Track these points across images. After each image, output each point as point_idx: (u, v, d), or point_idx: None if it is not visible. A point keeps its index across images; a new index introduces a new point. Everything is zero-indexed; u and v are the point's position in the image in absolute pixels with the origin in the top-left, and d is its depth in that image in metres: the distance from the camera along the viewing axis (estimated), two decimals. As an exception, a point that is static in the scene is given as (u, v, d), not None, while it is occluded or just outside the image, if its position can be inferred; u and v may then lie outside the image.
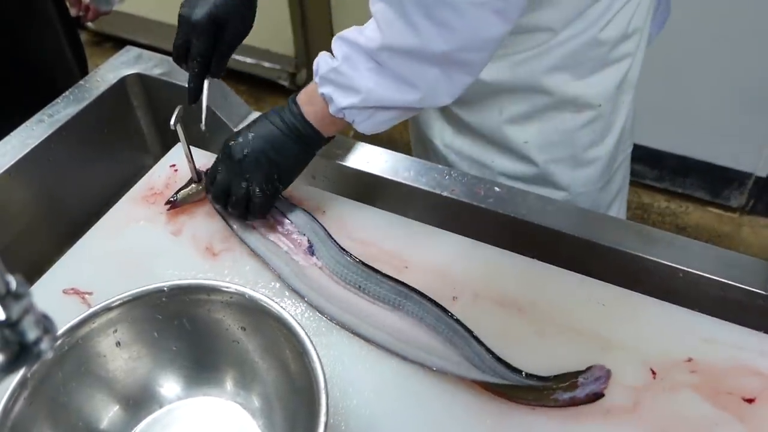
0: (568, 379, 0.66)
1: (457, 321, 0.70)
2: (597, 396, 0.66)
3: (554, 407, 0.66)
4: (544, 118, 0.92)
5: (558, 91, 0.90)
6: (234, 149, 0.77)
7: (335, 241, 0.79)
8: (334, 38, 0.71)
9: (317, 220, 0.81)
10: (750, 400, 0.65)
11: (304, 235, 0.80)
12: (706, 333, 0.71)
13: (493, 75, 0.89)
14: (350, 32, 0.70)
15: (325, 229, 0.80)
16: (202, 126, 0.83)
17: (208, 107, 0.84)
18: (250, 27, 0.82)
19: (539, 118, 0.93)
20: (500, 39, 0.65)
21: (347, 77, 0.69)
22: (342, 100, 0.70)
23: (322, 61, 0.72)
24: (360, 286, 0.75)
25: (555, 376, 0.67)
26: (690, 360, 0.69)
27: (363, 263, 0.76)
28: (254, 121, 0.79)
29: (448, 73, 0.67)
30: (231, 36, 0.79)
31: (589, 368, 0.67)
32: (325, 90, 0.72)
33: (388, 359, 0.70)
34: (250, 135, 0.77)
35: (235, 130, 0.80)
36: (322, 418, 0.54)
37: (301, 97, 0.76)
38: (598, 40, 0.86)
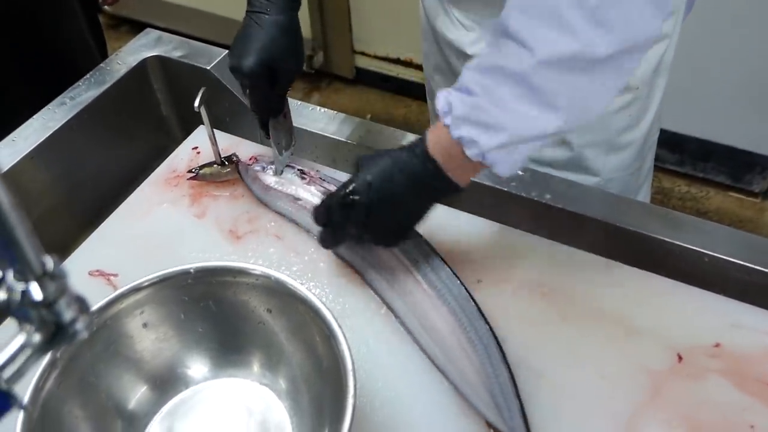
0: None
1: (503, 355, 0.67)
2: None
3: None
4: None
5: None
6: (352, 199, 0.67)
7: None
8: (464, 70, 0.62)
9: None
10: (779, 386, 0.65)
11: None
12: (733, 318, 0.71)
13: None
14: (483, 60, 0.61)
15: None
16: (279, 170, 0.84)
17: (232, 94, 0.85)
18: (302, 62, 0.79)
19: None
20: (656, 36, 0.58)
21: (491, 113, 0.59)
22: (487, 141, 0.60)
23: (454, 100, 0.62)
24: (416, 261, 0.73)
25: None
26: (717, 345, 0.69)
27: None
28: (371, 164, 0.68)
29: (602, 80, 0.58)
30: (284, 75, 0.76)
31: None
32: (464, 132, 0.61)
33: (413, 342, 0.70)
34: (369, 179, 0.67)
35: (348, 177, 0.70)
36: (350, 400, 0.54)
37: (432, 147, 0.65)
38: None
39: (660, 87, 0.94)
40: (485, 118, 0.60)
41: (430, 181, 0.66)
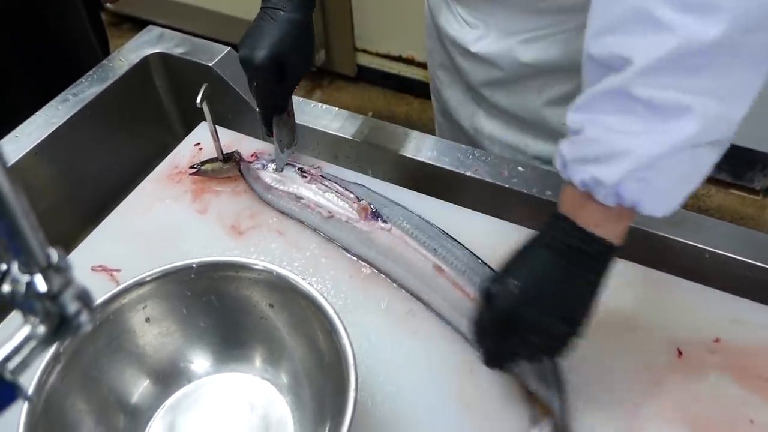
0: (548, 411, 0.63)
1: None
2: None
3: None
4: None
5: None
6: (503, 309, 0.57)
7: (401, 205, 0.80)
8: (568, 115, 0.55)
9: (368, 188, 0.82)
10: (779, 381, 0.65)
11: (362, 199, 0.80)
12: (734, 313, 0.71)
13: (534, 56, 0.87)
14: (582, 96, 0.54)
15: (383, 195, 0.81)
16: (279, 168, 0.84)
17: (234, 90, 0.85)
18: (312, 62, 0.79)
19: None
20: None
21: (601, 142, 0.52)
22: (610, 173, 0.51)
23: (563, 148, 0.55)
24: (435, 250, 0.74)
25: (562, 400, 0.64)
26: (717, 340, 0.69)
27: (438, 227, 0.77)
28: (513, 260, 0.58)
29: (730, 69, 0.48)
30: (293, 72, 0.76)
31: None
32: (584, 175, 0.53)
33: (414, 336, 0.71)
34: (515, 284, 0.56)
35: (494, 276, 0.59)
36: (352, 394, 0.54)
37: (567, 207, 0.56)
38: None
39: None
40: (597, 150, 0.52)
41: (579, 251, 0.55)
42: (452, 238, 0.76)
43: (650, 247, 0.80)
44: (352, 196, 0.80)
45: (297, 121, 0.96)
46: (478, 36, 0.91)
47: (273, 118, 0.82)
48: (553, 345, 0.58)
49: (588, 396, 0.66)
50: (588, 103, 0.53)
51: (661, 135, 0.50)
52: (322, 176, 0.83)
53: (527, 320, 0.56)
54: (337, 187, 0.82)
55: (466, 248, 0.75)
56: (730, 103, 0.50)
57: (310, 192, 0.82)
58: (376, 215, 0.77)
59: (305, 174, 0.84)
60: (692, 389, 0.65)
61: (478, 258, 0.74)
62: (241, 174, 0.86)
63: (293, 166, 0.85)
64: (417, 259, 0.74)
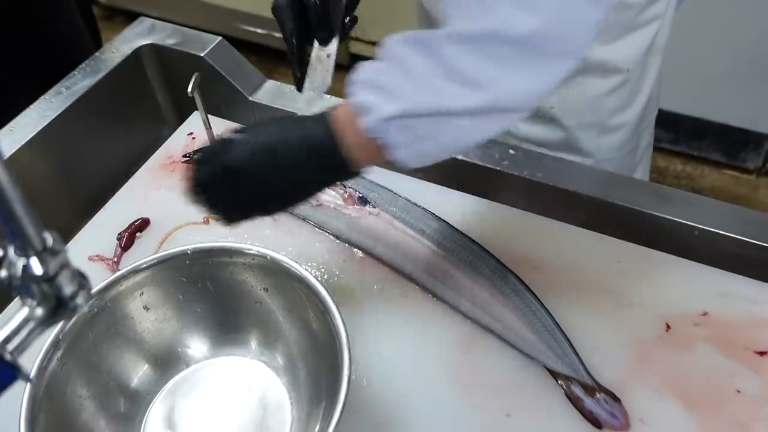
0: (597, 387, 0.66)
1: (535, 296, 0.71)
2: (596, 423, 0.64)
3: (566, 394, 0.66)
4: (571, 84, 0.91)
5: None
6: (229, 152, 0.57)
7: (387, 188, 0.80)
8: (382, 42, 0.55)
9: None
10: (763, 353, 0.66)
11: (349, 187, 0.80)
12: (721, 287, 0.72)
13: None
14: (408, 33, 0.54)
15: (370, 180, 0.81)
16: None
17: (226, 80, 0.83)
18: None
19: (565, 84, 0.91)
20: (593, 26, 0.51)
21: (393, 78, 0.52)
22: (384, 107, 0.52)
23: (360, 68, 0.55)
24: (423, 231, 0.75)
25: (591, 377, 0.66)
26: (705, 314, 0.70)
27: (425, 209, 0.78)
28: (260, 124, 0.61)
29: (531, 64, 0.51)
30: None
31: (618, 400, 0.65)
32: (362, 97, 0.53)
33: (408, 318, 0.72)
34: (252, 139, 0.57)
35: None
36: (345, 372, 0.55)
37: (335, 118, 0.56)
38: (625, 2, 0.85)
39: (654, 68, 0.95)
40: (386, 82, 0.52)
41: (322, 153, 0.56)
42: (438, 217, 0.77)
43: (640, 226, 0.81)
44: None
45: (291, 110, 0.97)
46: None
47: (313, 50, 0.70)
48: (256, 203, 0.59)
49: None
50: (404, 39, 0.53)
51: (441, 94, 0.51)
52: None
53: (254, 167, 0.56)
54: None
55: (455, 228, 0.76)
56: (521, 93, 0.52)
57: (327, 196, 0.82)
58: (363, 201, 0.78)
59: None
60: (680, 361, 0.67)
61: (466, 236, 0.75)
62: None
63: None
64: (406, 242, 0.75)
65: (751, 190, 1.97)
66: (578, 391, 0.65)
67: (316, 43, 0.70)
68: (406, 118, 0.52)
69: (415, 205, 0.79)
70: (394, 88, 0.52)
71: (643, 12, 0.87)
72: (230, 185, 0.58)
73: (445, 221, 0.77)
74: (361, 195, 0.79)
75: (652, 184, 0.88)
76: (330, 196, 0.80)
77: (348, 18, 0.71)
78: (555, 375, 0.67)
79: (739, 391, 0.64)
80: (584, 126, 0.95)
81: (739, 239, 0.77)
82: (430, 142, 0.53)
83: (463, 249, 0.74)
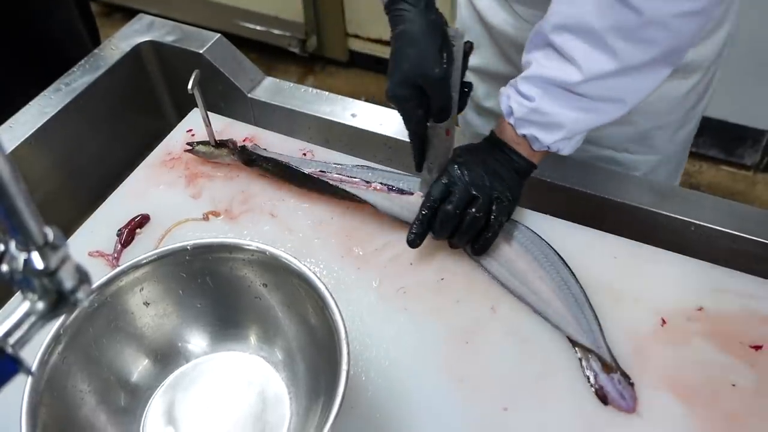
0: (615, 366, 0.67)
1: (572, 273, 0.74)
2: (603, 399, 0.65)
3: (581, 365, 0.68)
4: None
5: None
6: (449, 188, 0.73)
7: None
8: (519, 79, 0.72)
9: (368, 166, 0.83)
10: (758, 347, 0.67)
11: (371, 182, 0.81)
12: (717, 283, 0.73)
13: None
14: (537, 70, 0.70)
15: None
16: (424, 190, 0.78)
17: (225, 77, 0.83)
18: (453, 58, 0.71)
19: None
20: (699, 32, 0.66)
21: (549, 116, 0.70)
22: (547, 137, 0.71)
23: (513, 104, 0.72)
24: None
25: (612, 356, 0.67)
26: (701, 309, 0.71)
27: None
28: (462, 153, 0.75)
29: (653, 72, 0.68)
30: (435, 86, 0.69)
31: (631, 384, 0.66)
32: (527, 131, 0.72)
33: (406, 312, 0.72)
34: (461, 163, 0.74)
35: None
36: (344, 366, 0.56)
37: (508, 138, 0.74)
38: None
39: (723, 59, 0.93)
40: (544, 120, 0.70)
41: (527, 173, 0.76)
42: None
43: (637, 222, 0.82)
44: (356, 179, 0.81)
45: (287, 106, 0.97)
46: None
47: (432, 130, 0.74)
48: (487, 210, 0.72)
49: (575, 365, 0.67)
50: (542, 81, 0.69)
51: (586, 121, 0.71)
52: (321, 171, 0.83)
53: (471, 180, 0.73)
54: (339, 176, 0.82)
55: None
56: (640, 99, 0.71)
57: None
58: (398, 191, 0.79)
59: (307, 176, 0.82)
60: (676, 356, 0.67)
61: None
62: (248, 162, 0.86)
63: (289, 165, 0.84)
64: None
65: (749, 186, 1.98)
66: (595, 365, 0.67)
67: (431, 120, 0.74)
68: (563, 139, 0.72)
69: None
70: (552, 123, 0.70)
71: (730, 6, 0.86)
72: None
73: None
74: (392, 186, 0.80)
75: (648, 180, 0.89)
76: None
77: (466, 87, 0.74)
78: (576, 345, 0.68)
79: (734, 385, 0.65)
80: (662, 125, 0.93)
81: (736, 235, 0.78)
82: (580, 138, 0.74)
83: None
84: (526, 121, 0.72)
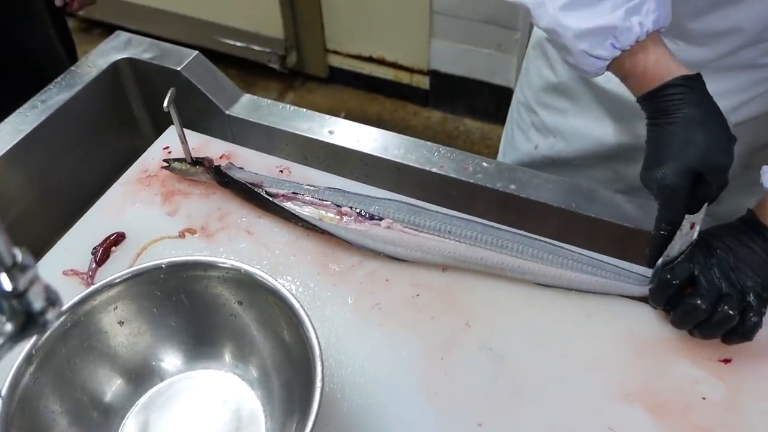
0: None
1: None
2: None
3: None
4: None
5: None
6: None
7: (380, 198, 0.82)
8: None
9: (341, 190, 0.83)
10: (727, 361, 0.68)
11: (341, 206, 0.80)
12: (687, 297, 0.74)
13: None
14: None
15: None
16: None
17: (203, 94, 0.84)
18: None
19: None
20: None
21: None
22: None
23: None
24: (440, 229, 0.77)
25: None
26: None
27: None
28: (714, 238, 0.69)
29: None
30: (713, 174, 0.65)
31: None
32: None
33: (381, 329, 0.73)
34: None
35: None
36: (318, 384, 0.56)
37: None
38: None
39: None
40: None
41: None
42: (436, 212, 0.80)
43: (610, 237, 0.83)
44: (327, 203, 0.81)
45: (266, 123, 0.98)
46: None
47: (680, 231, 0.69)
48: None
49: (549, 380, 0.68)
50: None
51: None
52: (293, 193, 0.82)
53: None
54: (311, 199, 0.82)
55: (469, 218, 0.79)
56: None
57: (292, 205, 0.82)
58: (369, 216, 0.79)
59: (273, 196, 0.82)
60: (649, 370, 0.68)
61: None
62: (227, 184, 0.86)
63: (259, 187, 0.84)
64: (428, 245, 0.77)
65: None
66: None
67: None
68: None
69: (418, 206, 0.80)
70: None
71: None
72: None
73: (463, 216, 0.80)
74: (361, 212, 0.79)
75: (620, 196, 0.90)
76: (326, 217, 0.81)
77: None
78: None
79: (704, 398, 0.66)
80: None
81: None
82: None
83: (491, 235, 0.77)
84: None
